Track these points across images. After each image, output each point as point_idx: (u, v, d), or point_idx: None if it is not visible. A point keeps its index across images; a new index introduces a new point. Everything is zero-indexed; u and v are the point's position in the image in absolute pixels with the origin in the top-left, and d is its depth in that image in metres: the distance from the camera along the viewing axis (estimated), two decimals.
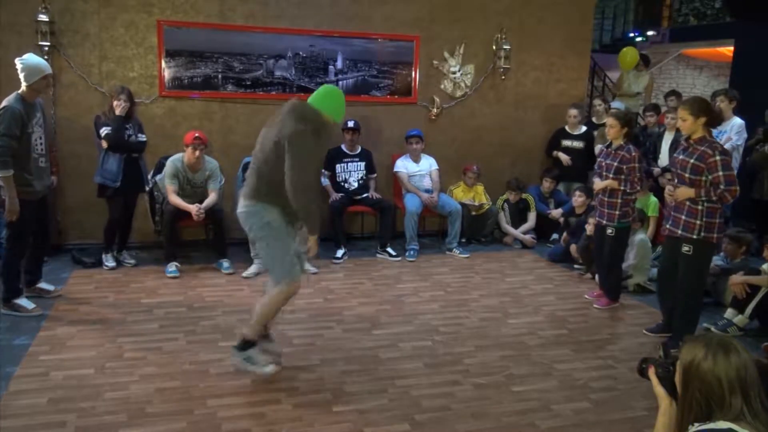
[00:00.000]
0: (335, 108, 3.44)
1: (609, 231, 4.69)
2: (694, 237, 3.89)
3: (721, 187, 3.79)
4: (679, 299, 4.10)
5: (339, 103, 3.46)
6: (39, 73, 4.16)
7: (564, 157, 6.71)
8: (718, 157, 3.78)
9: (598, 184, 4.78)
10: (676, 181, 4.04)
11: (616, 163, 4.61)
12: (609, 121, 4.72)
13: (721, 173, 3.78)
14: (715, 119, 3.96)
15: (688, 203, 3.91)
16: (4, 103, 4.07)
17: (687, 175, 3.89)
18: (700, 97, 4.25)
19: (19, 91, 4.14)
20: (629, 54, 8.04)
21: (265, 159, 3.32)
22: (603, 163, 4.73)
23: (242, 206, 3.37)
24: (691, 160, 3.86)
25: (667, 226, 4.10)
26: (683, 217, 3.93)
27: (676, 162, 4.03)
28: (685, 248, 3.94)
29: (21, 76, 4.14)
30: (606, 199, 4.68)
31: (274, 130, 3.33)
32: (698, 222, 3.87)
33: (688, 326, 4.06)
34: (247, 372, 3.38)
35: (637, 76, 8.20)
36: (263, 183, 3.31)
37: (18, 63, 4.17)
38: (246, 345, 3.37)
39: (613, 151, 4.68)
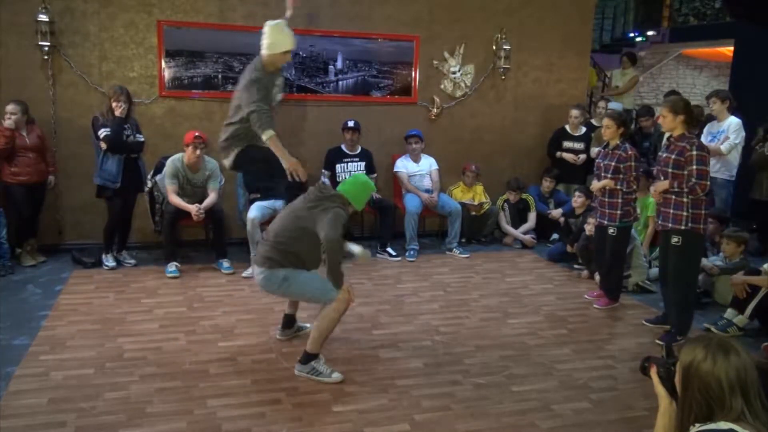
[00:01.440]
0: (362, 200, 3.69)
1: (611, 231, 4.70)
2: (683, 228, 4.03)
3: (693, 179, 3.95)
4: (673, 292, 4.20)
5: (366, 196, 3.73)
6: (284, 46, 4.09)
7: (569, 156, 6.71)
8: (694, 152, 3.96)
9: (595, 184, 4.80)
10: (662, 178, 4.18)
11: (613, 163, 4.64)
12: (605, 122, 4.77)
13: (694, 167, 3.95)
14: (693, 119, 4.14)
15: (674, 197, 4.06)
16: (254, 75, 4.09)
17: (669, 170, 4.06)
18: (679, 96, 4.47)
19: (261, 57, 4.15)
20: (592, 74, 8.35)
21: (290, 235, 3.49)
22: (601, 164, 4.76)
23: (258, 273, 3.54)
24: (673, 156, 4.05)
25: (659, 221, 4.24)
26: (671, 211, 4.08)
27: (660, 160, 4.21)
28: (674, 239, 4.09)
29: (264, 43, 4.08)
30: (607, 199, 4.70)
31: (304, 211, 3.52)
32: (685, 213, 4.01)
33: (683, 319, 4.16)
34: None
35: (623, 74, 8.25)
36: (280, 254, 3.47)
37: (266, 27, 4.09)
38: (309, 358, 3.46)
39: (610, 151, 4.72)
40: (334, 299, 3.41)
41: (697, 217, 4.01)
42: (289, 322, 3.97)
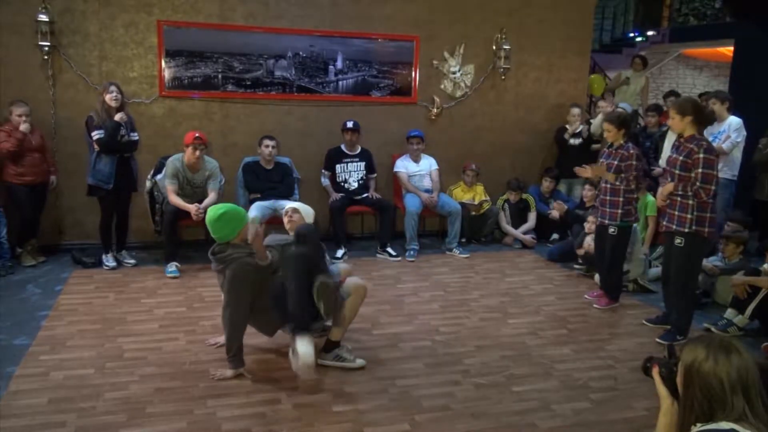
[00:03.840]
0: (234, 229, 3.44)
1: (611, 230, 4.71)
2: (686, 230, 4.04)
3: (698, 183, 3.93)
4: (674, 293, 4.23)
5: (231, 223, 3.42)
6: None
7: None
8: (701, 155, 3.93)
9: (580, 171, 4.88)
10: (669, 179, 4.17)
11: (616, 162, 4.66)
12: (604, 125, 4.79)
13: (700, 170, 3.92)
14: (703, 118, 4.13)
15: (679, 198, 4.05)
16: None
17: (677, 172, 4.04)
18: (687, 97, 4.49)
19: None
20: (596, 81, 8.20)
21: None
22: (604, 162, 4.77)
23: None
24: (681, 157, 4.02)
25: (664, 222, 4.24)
26: (676, 213, 4.08)
27: (669, 161, 4.19)
28: (677, 240, 4.10)
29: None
30: (608, 198, 4.71)
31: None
32: (689, 216, 4.01)
33: (683, 319, 4.19)
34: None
35: (635, 77, 8.23)
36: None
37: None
38: (333, 346, 3.57)
39: (614, 150, 4.73)
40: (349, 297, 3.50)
41: (701, 220, 4.00)
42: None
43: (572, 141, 6.82)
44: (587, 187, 6.07)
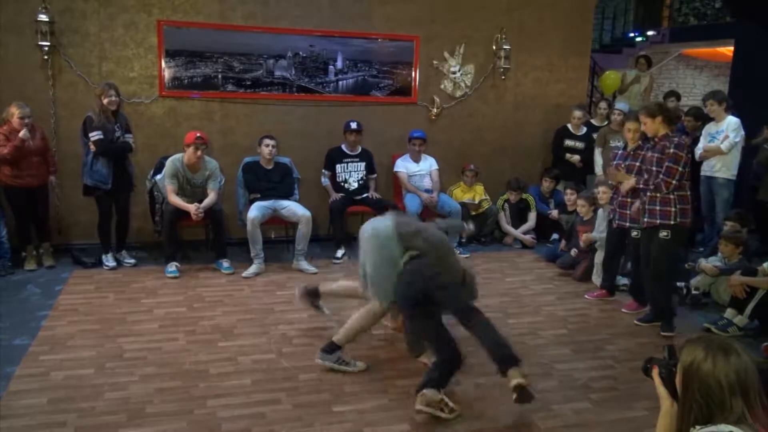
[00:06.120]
0: None
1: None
2: (672, 223, 4.20)
3: (661, 175, 4.13)
4: (653, 284, 4.39)
5: None
6: None
7: (575, 159, 6.73)
8: (671, 150, 4.12)
9: (615, 177, 4.68)
10: (645, 176, 4.33)
11: (637, 163, 4.55)
12: (629, 125, 4.69)
13: (666, 163, 4.12)
14: (671, 116, 4.32)
15: (659, 195, 4.20)
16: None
17: (654, 168, 4.22)
18: (651, 102, 4.78)
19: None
20: (611, 77, 8.11)
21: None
22: (622, 165, 4.67)
23: None
24: (656, 155, 4.23)
25: (645, 219, 4.34)
26: (658, 208, 4.23)
27: (646, 158, 4.37)
28: (663, 233, 4.24)
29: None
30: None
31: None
32: (673, 209, 4.19)
33: (665, 301, 4.35)
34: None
35: (639, 77, 8.21)
36: None
37: None
38: (334, 348, 3.56)
39: (632, 152, 4.68)
40: (376, 302, 3.53)
41: (684, 212, 4.19)
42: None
43: (576, 144, 6.79)
44: (569, 191, 6.04)
